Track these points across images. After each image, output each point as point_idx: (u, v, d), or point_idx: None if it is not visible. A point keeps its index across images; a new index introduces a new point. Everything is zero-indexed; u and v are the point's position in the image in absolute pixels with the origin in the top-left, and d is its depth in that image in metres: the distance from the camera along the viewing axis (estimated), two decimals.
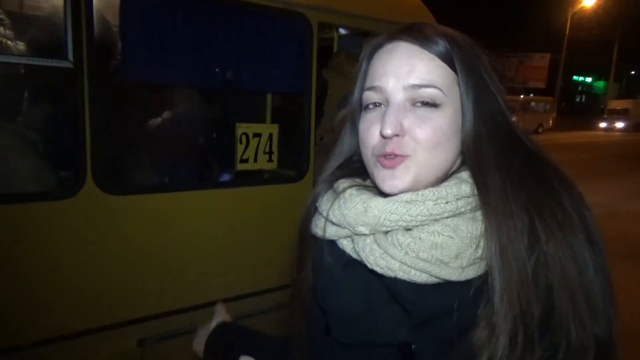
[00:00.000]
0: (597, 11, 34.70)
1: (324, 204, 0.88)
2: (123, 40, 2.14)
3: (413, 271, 0.73)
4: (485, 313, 0.71)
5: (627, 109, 34.61)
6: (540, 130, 30.43)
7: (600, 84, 58.18)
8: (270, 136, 2.64)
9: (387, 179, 0.79)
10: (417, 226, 0.76)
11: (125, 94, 2.53)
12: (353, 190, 0.84)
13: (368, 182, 0.90)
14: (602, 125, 35.37)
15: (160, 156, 2.68)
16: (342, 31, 3.65)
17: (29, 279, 2.02)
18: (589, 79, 61.66)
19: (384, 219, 0.76)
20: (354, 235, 0.82)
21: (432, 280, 0.73)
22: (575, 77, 59.11)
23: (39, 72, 2.10)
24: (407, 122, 0.77)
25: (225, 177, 2.73)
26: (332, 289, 0.85)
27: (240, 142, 2.54)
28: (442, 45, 0.78)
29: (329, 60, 3.45)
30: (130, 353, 2.31)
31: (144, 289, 2.33)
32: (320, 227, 0.87)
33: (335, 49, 3.92)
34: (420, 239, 0.74)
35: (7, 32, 2.17)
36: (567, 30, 34.31)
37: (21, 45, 2.19)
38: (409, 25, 0.84)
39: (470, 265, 0.73)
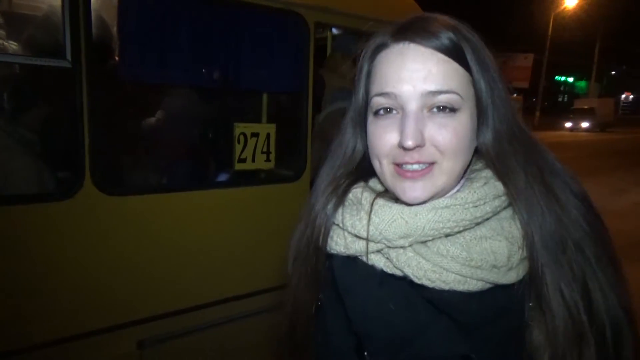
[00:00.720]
0: (578, 12, 35.30)
1: (345, 217, 0.81)
2: (121, 40, 2.13)
3: (469, 280, 0.71)
4: (536, 311, 0.70)
5: (592, 109, 33.53)
6: None
7: (582, 83, 59.17)
8: (268, 136, 2.64)
9: (409, 191, 0.75)
10: (460, 232, 0.73)
11: (124, 94, 2.51)
12: (380, 201, 0.79)
13: (379, 186, 0.85)
14: (568, 125, 34.18)
15: (159, 157, 2.66)
16: (335, 31, 3.66)
17: (28, 280, 1.99)
18: (570, 79, 62.69)
19: (429, 229, 0.73)
20: (386, 248, 0.76)
21: (486, 286, 0.71)
22: (557, 77, 60.04)
23: (37, 72, 2.07)
24: (427, 131, 0.74)
25: (224, 177, 2.71)
26: (370, 309, 0.79)
27: (239, 142, 2.54)
28: (453, 43, 0.75)
29: (324, 60, 3.47)
30: (130, 355, 2.29)
31: (143, 290, 2.31)
32: (341, 244, 0.81)
33: (329, 48, 3.93)
34: (469, 246, 0.71)
35: (5, 31, 2.13)
36: (550, 31, 34.84)
37: (19, 45, 2.15)
38: (412, 21, 0.79)
39: (518, 265, 0.72)
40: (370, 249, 0.78)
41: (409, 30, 0.77)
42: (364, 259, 0.79)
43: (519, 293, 0.71)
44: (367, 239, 0.77)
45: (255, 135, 2.59)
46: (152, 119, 2.67)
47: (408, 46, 0.76)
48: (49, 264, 2.03)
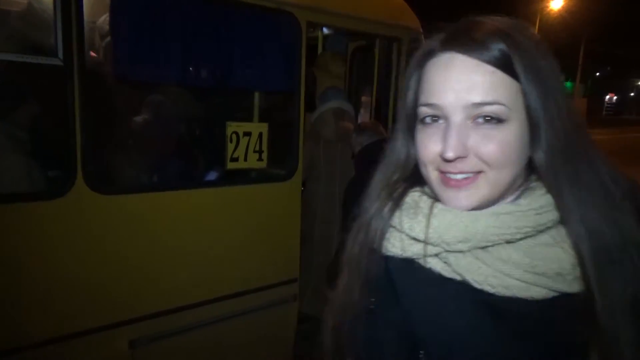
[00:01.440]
0: (564, 14, 35.76)
1: (403, 220, 0.80)
2: (113, 39, 2.11)
3: (533, 287, 0.70)
4: (596, 323, 0.68)
5: None
6: None
7: (567, 84, 59.95)
8: (260, 135, 2.65)
9: (453, 200, 0.75)
10: (523, 239, 0.72)
11: (116, 93, 2.50)
12: (440, 205, 0.78)
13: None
14: None
15: (151, 155, 2.65)
16: (326, 31, 3.68)
17: (19, 280, 1.97)
18: None
19: (489, 234, 0.72)
20: (445, 252, 0.75)
21: (550, 294, 0.70)
22: None
23: (28, 70, 2.05)
24: (471, 141, 0.72)
25: (216, 176, 2.71)
26: (428, 311, 0.78)
27: (231, 141, 2.54)
28: (501, 53, 0.72)
29: (315, 59, 3.48)
30: (122, 354, 2.28)
31: (134, 290, 2.31)
32: (397, 246, 0.80)
33: (319, 48, 3.94)
34: (531, 252, 0.70)
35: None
36: (536, 32, 35.21)
37: (10, 43, 2.13)
38: (461, 28, 0.77)
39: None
40: (428, 252, 0.77)
41: (456, 40, 0.75)
42: (421, 262, 0.79)
43: (582, 306, 0.69)
44: (425, 242, 0.76)
45: (247, 134, 2.60)
46: (145, 118, 2.65)
47: (454, 56, 0.74)
48: (40, 264, 2.01)
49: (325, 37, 3.67)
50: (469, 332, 0.74)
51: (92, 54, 2.21)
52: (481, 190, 0.74)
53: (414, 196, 0.83)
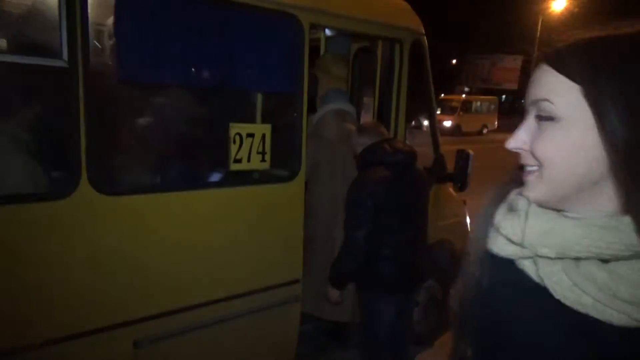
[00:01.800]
0: (566, 15, 35.70)
1: (500, 219, 0.82)
2: (117, 40, 2.13)
3: (609, 310, 0.67)
4: None
5: None
6: (484, 131, 28.14)
7: None
8: (263, 136, 2.65)
9: (524, 191, 0.79)
10: (618, 260, 0.69)
11: (120, 94, 2.51)
12: (535, 207, 0.78)
13: None
14: None
15: (155, 156, 2.66)
16: (328, 32, 3.69)
17: (23, 280, 1.98)
18: None
19: (574, 243, 0.70)
20: (536, 257, 0.76)
21: (632, 323, 0.66)
22: None
23: (32, 72, 2.07)
24: (528, 136, 0.76)
25: (220, 177, 2.72)
26: (512, 312, 0.79)
27: (234, 142, 2.55)
28: (566, 58, 0.73)
29: (316, 60, 3.49)
30: (126, 354, 2.29)
31: (139, 290, 2.31)
32: (497, 245, 0.82)
33: (322, 49, 3.95)
34: (619, 275, 0.67)
35: (1, 30, 2.13)
36: (538, 33, 35.21)
37: (14, 44, 2.15)
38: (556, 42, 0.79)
39: None
40: (522, 255, 0.78)
41: (547, 50, 0.78)
42: (517, 263, 0.80)
43: None
44: (518, 244, 0.78)
45: (250, 135, 2.61)
46: (149, 119, 2.67)
47: (540, 64, 0.78)
48: (44, 264, 2.02)
49: (327, 38, 3.68)
50: (542, 340, 0.75)
51: (97, 55, 2.22)
52: (539, 185, 0.76)
53: (512, 196, 0.85)
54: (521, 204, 0.80)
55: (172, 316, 2.42)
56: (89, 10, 1.99)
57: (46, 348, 2.04)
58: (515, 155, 0.81)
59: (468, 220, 4.67)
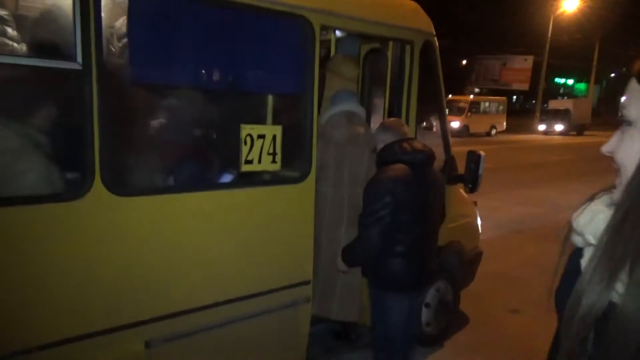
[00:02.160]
0: (578, 15, 35.36)
1: (577, 213, 0.90)
2: (130, 43, 2.15)
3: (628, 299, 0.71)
4: None
5: (567, 110, 30.96)
6: (493, 132, 28.08)
7: (582, 86, 59.20)
8: (274, 137, 2.66)
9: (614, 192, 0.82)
10: None
11: (133, 96, 2.53)
12: (598, 200, 0.86)
13: None
14: (541, 127, 31.20)
15: (168, 157, 2.69)
16: (339, 34, 3.69)
17: (36, 280, 2.01)
18: (570, 81, 62.77)
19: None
20: (587, 244, 0.84)
21: None
22: (557, 80, 60.11)
23: (47, 74, 2.10)
24: (616, 141, 0.81)
25: (231, 178, 2.73)
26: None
27: (245, 144, 2.56)
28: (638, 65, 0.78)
29: (327, 61, 3.50)
30: (138, 355, 2.31)
31: (150, 290, 2.34)
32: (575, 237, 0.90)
33: (332, 50, 3.96)
34: None
35: (16, 33, 2.16)
36: (550, 33, 34.93)
37: (30, 47, 2.18)
38: None
39: None
40: (581, 242, 0.87)
41: None
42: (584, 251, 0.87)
43: None
44: (577, 233, 0.87)
45: (261, 136, 2.62)
46: (161, 120, 2.69)
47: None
48: (58, 264, 2.05)
49: (338, 40, 3.69)
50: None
51: (110, 57, 2.25)
52: (619, 188, 0.80)
53: (598, 195, 0.91)
54: (596, 201, 0.87)
55: (183, 316, 2.44)
56: (103, 14, 2.02)
57: (57, 347, 2.06)
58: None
59: (479, 221, 4.65)
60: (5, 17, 2.21)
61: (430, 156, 2.73)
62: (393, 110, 3.45)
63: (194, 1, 2.30)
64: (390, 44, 3.46)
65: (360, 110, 3.45)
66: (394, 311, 2.77)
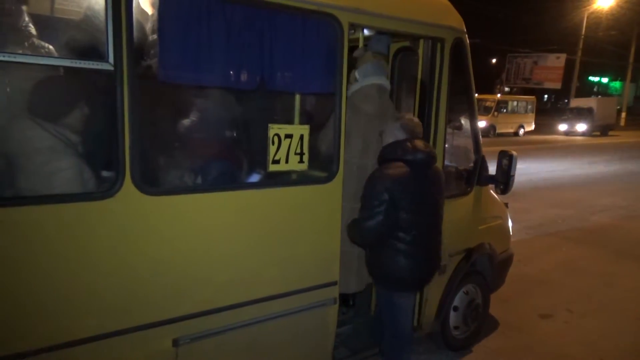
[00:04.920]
0: (613, 12, 34.17)
1: None
2: (160, 43, 2.16)
3: None
4: None
5: (590, 109, 29.07)
6: (521, 132, 27.44)
7: (617, 84, 57.35)
8: (302, 137, 2.65)
9: None
10: None
11: (163, 96, 2.55)
12: None
13: None
14: (562, 127, 29.52)
15: (196, 157, 2.70)
16: (367, 32, 3.64)
17: (67, 278, 2.04)
18: (605, 80, 60.84)
19: None
20: None
21: None
22: (590, 78, 58.33)
23: (79, 74, 2.13)
24: None
25: (259, 178, 2.73)
26: None
27: (273, 143, 2.55)
28: None
29: (356, 59, 3.45)
30: (166, 353, 2.33)
31: (179, 289, 2.35)
32: None
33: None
34: None
35: (49, 34, 2.20)
36: (583, 31, 33.91)
37: (63, 48, 2.22)
38: None
39: None
40: None
41: None
42: None
43: None
44: None
45: (289, 136, 2.60)
46: (190, 120, 2.70)
47: None
48: (88, 262, 2.08)
49: (366, 38, 3.64)
50: None
51: (141, 58, 2.26)
52: None
53: None
54: None
55: (211, 315, 2.45)
56: (134, 15, 2.04)
57: (86, 344, 2.09)
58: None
59: (510, 223, 4.53)
60: (40, 19, 2.26)
61: (431, 156, 2.83)
62: (423, 109, 3.38)
63: (224, 1, 2.30)
64: (421, 41, 3.40)
65: (388, 87, 3.43)
66: (402, 308, 2.94)
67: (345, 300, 3.83)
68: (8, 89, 2.17)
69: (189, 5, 2.23)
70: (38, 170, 2.08)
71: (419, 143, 2.80)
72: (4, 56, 1.89)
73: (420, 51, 3.41)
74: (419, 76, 3.42)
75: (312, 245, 2.82)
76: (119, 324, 2.18)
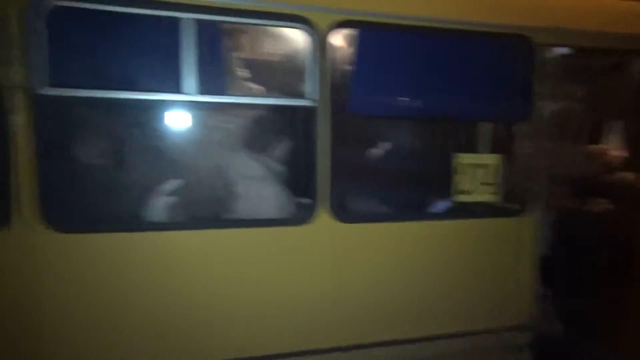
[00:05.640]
0: None
1: None
2: (355, 81, 2.31)
3: None
4: None
5: None
6: None
7: None
8: (492, 167, 2.52)
9: None
10: None
11: (356, 129, 2.70)
12: None
13: None
14: None
15: (384, 187, 2.77)
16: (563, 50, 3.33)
17: (265, 293, 2.25)
18: None
19: None
20: None
21: None
22: None
23: (286, 112, 2.39)
24: None
25: (444, 209, 2.67)
26: None
27: (458, 173, 2.48)
28: None
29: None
30: None
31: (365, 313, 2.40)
32: None
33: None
34: None
35: (263, 78, 2.52)
36: None
37: (272, 89, 2.52)
38: None
39: None
40: None
41: None
42: None
43: None
44: None
45: (477, 166, 2.50)
46: (380, 151, 2.80)
47: None
48: (287, 282, 2.27)
49: (563, 56, 3.33)
50: None
51: (339, 95, 2.44)
52: None
53: None
54: None
55: (401, 345, 2.45)
56: (335, 58, 2.23)
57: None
58: None
59: None
60: (252, 63, 2.60)
61: None
62: (634, 132, 2.95)
63: (412, 35, 2.36)
64: (630, 58, 2.99)
65: None
66: None
67: None
68: (229, 126, 2.51)
69: (378, 45, 2.34)
70: (252, 196, 2.34)
71: None
72: (224, 99, 2.21)
73: (630, 69, 3.00)
74: (629, 98, 3.00)
75: (500, 282, 2.62)
76: (310, 344, 2.31)
